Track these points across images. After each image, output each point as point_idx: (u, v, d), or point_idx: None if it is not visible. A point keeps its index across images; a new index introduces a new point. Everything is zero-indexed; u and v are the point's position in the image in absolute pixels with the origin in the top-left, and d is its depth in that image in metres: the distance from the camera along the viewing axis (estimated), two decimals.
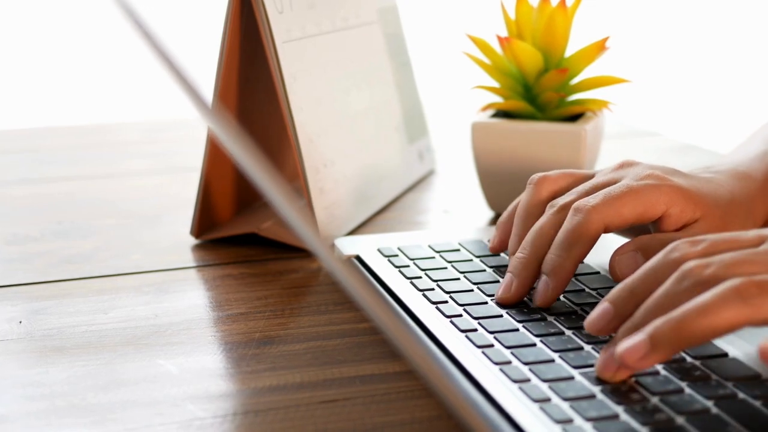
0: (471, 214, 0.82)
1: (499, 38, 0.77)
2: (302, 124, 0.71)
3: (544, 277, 0.58)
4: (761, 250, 0.49)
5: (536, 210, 0.63)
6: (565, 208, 0.60)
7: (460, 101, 1.12)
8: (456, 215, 0.83)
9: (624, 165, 0.63)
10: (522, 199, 0.64)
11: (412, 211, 0.84)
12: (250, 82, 0.74)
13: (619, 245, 0.60)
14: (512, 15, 0.79)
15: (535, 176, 0.64)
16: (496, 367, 0.51)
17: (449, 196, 0.88)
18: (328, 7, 0.78)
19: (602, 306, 0.51)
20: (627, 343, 0.48)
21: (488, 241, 0.70)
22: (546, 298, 0.58)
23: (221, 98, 0.71)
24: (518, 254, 0.60)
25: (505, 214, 0.66)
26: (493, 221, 0.80)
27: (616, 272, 0.58)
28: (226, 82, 0.71)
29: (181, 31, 2.18)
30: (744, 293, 0.46)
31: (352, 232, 0.77)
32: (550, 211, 0.60)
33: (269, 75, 0.74)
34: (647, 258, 0.57)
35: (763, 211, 0.67)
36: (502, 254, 0.67)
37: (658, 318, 0.47)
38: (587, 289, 0.61)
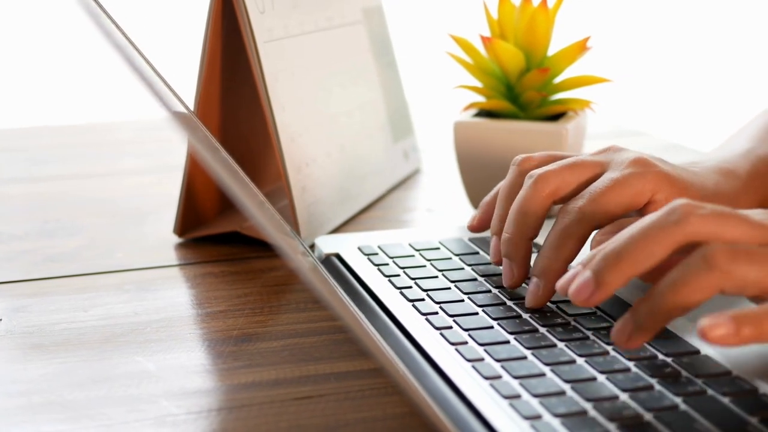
0: (454, 213, 0.83)
1: (482, 38, 0.78)
2: (284, 124, 0.72)
3: (534, 279, 0.58)
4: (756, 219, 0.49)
5: (518, 191, 0.62)
6: (544, 179, 0.60)
7: (446, 101, 1.12)
8: (439, 214, 0.83)
9: (609, 150, 0.63)
10: (506, 180, 0.63)
11: (397, 209, 0.84)
12: (234, 82, 0.75)
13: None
14: (495, 15, 0.79)
15: (519, 157, 0.64)
16: (469, 364, 0.52)
17: (434, 195, 0.88)
18: (312, 6, 0.79)
19: (575, 268, 0.51)
20: (575, 283, 0.49)
21: (469, 239, 0.70)
22: (538, 299, 0.58)
23: (204, 98, 0.72)
24: (505, 235, 0.60)
25: (488, 196, 0.66)
26: None
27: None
28: (209, 82, 0.72)
29: (163, 31, 2.18)
30: (711, 261, 0.46)
31: (335, 231, 0.77)
32: (528, 182, 0.60)
33: (252, 74, 0.75)
34: None
35: (745, 207, 0.67)
36: (481, 252, 0.68)
37: (639, 300, 0.48)
38: None
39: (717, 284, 0.46)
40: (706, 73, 2.63)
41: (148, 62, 0.61)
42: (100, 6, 0.60)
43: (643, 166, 0.60)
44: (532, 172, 0.61)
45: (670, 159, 0.68)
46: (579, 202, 0.58)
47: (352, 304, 0.60)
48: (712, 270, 0.46)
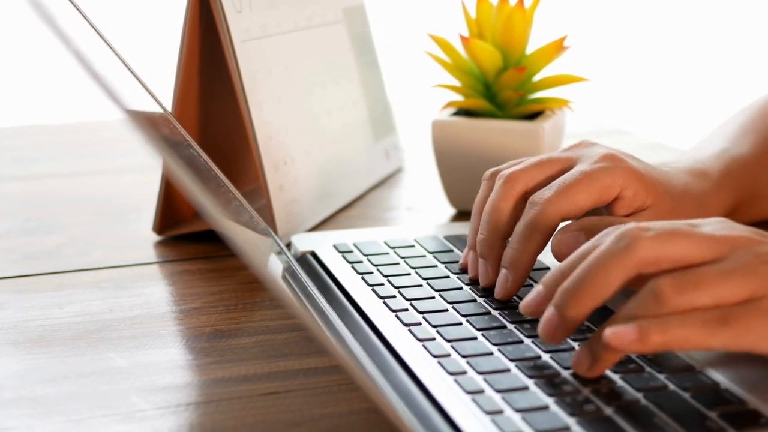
0: (434, 212, 0.83)
1: (461, 37, 0.78)
2: (261, 122, 0.72)
3: (503, 271, 0.59)
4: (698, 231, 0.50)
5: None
6: (512, 178, 0.61)
7: (430, 100, 1.13)
8: (419, 212, 0.84)
9: (580, 145, 0.63)
10: (478, 194, 0.64)
11: (377, 208, 0.85)
12: (213, 82, 0.75)
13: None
14: (474, 14, 0.80)
15: (488, 171, 0.64)
16: (434, 360, 0.52)
17: (415, 193, 0.89)
18: (292, 6, 0.79)
19: (536, 288, 0.52)
20: (541, 321, 0.50)
21: (444, 237, 0.71)
22: (506, 290, 0.59)
23: (182, 98, 0.72)
24: (479, 236, 0.61)
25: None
26: (455, 218, 0.81)
27: (556, 251, 0.58)
28: (187, 82, 0.72)
29: (140, 31, 2.18)
30: (661, 297, 0.47)
31: (314, 229, 0.78)
32: (499, 182, 0.61)
33: (229, 74, 0.75)
34: (589, 239, 0.58)
35: (715, 208, 0.68)
36: (455, 250, 0.68)
37: (597, 333, 0.49)
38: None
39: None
40: (690, 72, 2.63)
41: (124, 62, 0.62)
42: (75, 4, 0.61)
43: (612, 161, 0.61)
44: (502, 173, 0.61)
45: (651, 158, 0.69)
46: (546, 194, 0.59)
47: (324, 300, 0.61)
48: (663, 306, 0.47)
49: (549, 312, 0.50)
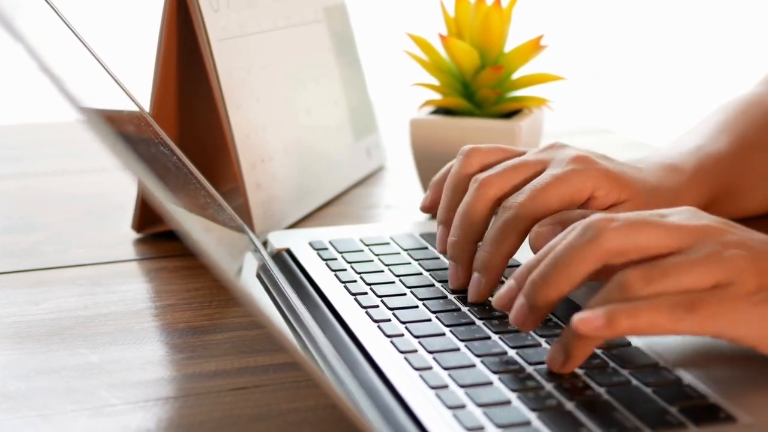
0: (414, 209, 0.84)
1: (439, 36, 0.79)
2: (238, 121, 0.73)
3: (476, 274, 0.59)
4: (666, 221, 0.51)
5: (464, 183, 0.63)
6: (486, 183, 0.61)
7: (413, 99, 1.13)
8: (398, 210, 0.84)
9: (552, 147, 0.64)
10: (453, 169, 0.65)
11: (358, 206, 0.85)
12: (191, 81, 0.76)
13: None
14: (452, 14, 0.80)
15: (466, 147, 0.65)
16: (401, 356, 0.53)
17: (396, 191, 0.89)
18: (271, 5, 0.80)
19: (507, 283, 0.53)
20: (512, 310, 0.51)
21: (420, 234, 0.71)
22: (479, 293, 0.59)
23: (160, 97, 0.73)
24: (451, 239, 0.61)
25: (438, 175, 0.67)
26: (433, 216, 0.81)
27: (534, 245, 0.58)
28: (165, 81, 0.73)
29: (118, 30, 2.17)
30: (628, 290, 0.48)
31: (293, 227, 0.78)
32: (473, 186, 0.62)
33: (207, 72, 0.76)
34: None
35: (689, 203, 0.68)
36: (430, 247, 0.69)
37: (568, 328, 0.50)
38: None
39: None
40: (674, 71, 2.64)
41: (100, 61, 0.62)
42: (50, 3, 0.61)
43: (583, 163, 0.61)
44: (476, 176, 0.62)
45: (632, 156, 0.70)
46: (519, 198, 0.59)
47: (296, 297, 0.61)
48: (631, 298, 0.48)
49: (519, 301, 0.51)
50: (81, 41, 0.62)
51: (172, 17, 0.72)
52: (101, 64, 0.63)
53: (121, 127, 0.46)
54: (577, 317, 0.47)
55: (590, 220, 0.50)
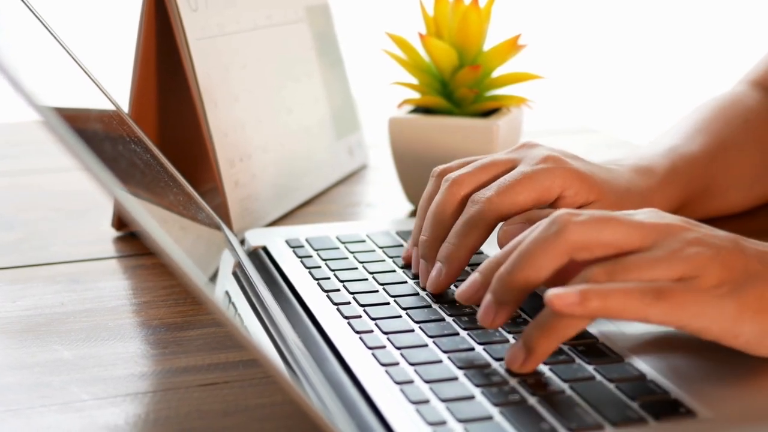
0: (394, 207, 0.84)
1: (419, 35, 0.79)
2: (216, 119, 0.73)
3: (437, 264, 0.60)
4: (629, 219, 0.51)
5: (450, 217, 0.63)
6: (457, 182, 0.62)
7: (397, 98, 1.14)
8: (379, 208, 0.85)
9: (523, 146, 0.64)
10: (425, 191, 0.65)
11: (339, 204, 0.86)
12: (171, 80, 0.76)
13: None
14: (431, 13, 0.81)
15: (437, 168, 0.65)
16: (369, 352, 0.53)
17: (377, 189, 0.90)
18: (251, 5, 0.80)
19: (472, 276, 0.54)
20: (480, 308, 0.52)
21: (396, 232, 0.72)
22: (438, 284, 0.60)
23: (138, 97, 0.73)
24: (422, 237, 0.62)
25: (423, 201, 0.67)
26: (412, 214, 0.82)
27: (501, 243, 0.59)
28: (144, 81, 0.73)
29: (97, 30, 2.17)
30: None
31: (272, 225, 0.78)
32: (444, 185, 0.62)
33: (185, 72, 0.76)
34: None
35: (660, 205, 0.69)
36: (405, 245, 0.69)
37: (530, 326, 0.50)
38: None
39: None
40: (658, 69, 2.64)
41: (75, 59, 0.63)
42: (26, 3, 0.62)
43: (554, 162, 0.62)
44: (447, 176, 0.62)
45: (616, 155, 0.70)
46: (488, 193, 0.60)
47: (269, 294, 0.62)
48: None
49: (486, 299, 0.52)
50: (56, 39, 0.62)
51: (151, 17, 0.72)
52: (76, 61, 0.63)
53: (85, 126, 0.46)
54: (551, 292, 0.48)
55: (555, 215, 0.51)
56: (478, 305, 0.53)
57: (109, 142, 0.49)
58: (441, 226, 0.61)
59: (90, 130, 0.44)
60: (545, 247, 0.50)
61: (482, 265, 0.54)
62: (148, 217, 0.40)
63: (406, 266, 0.65)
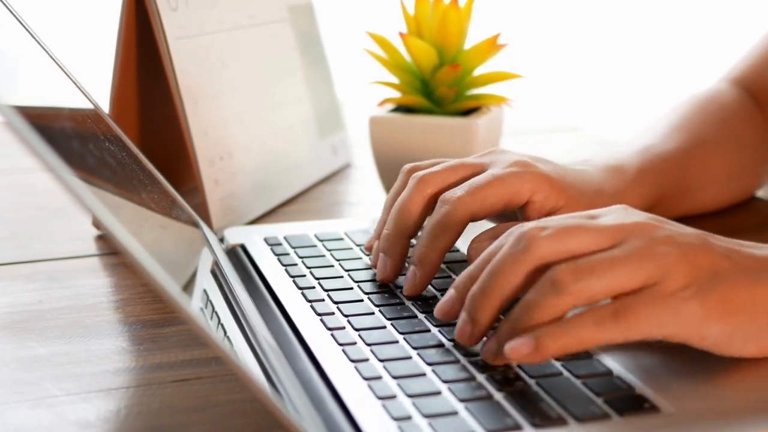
0: (376, 206, 0.85)
1: (400, 34, 0.80)
2: (196, 118, 0.74)
3: (412, 267, 0.60)
4: (596, 225, 0.51)
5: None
6: (424, 180, 0.62)
7: (380, 97, 1.14)
8: (361, 207, 0.85)
9: (493, 151, 0.65)
10: (393, 187, 0.65)
11: (321, 202, 0.86)
12: (151, 79, 0.77)
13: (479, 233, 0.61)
14: (412, 12, 0.81)
15: (407, 166, 0.65)
16: (339, 348, 0.54)
17: (360, 188, 0.90)
18: (233, 4, 0.81)
19: (448, 293, 0.54)
20: (456, 327, 0.52)
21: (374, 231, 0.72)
22: (414, 287, 0.60)
23: (118, 96, 0.74)
24: (384, 231, 0.62)
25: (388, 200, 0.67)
26: None
27: (470, 259, 0.60)
28: (124, 80, 0.74)
29: (77, 29, 2.17)
30: (558, 283, 0.48)
31: (253, 223, 0.79)
32: (411, 182, 0.63)
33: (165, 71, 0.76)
34: None
35: (632, 204, 0.69)
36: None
37: (502, 321, 0.51)
38: (454, 276, 0.64)
39: (568, 304, 0.49)
40: (641, 67, 2.64)
41: (55, 59, 0.63)
42: (4, 3, 0.62)
43: (523, 166, 0.62)
44: (415, 174, 0.63)
45: (600, 154, 0.70)
46: (458, 192, 0.60)
47: (244, 291, 0.62)
48: (561, 292, 0.49)
49: (462, 317, 0.52)
50: (34, 38, 0.62)
51: (131, 16, 0.73)
52: (54, 60, 0.64)
53: (50, 124, 0.46)
54: (508, 346, 0.48)
55: (521, 231, 0.51)
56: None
57: (78, 140, 0.49)
58: (404, 222, 0.62)
59: (56, 129, 0.44)
60: (513, 265, 0.50)
61: (457, 281, 0.54)
62: (107, 213, 0.40)
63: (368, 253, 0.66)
